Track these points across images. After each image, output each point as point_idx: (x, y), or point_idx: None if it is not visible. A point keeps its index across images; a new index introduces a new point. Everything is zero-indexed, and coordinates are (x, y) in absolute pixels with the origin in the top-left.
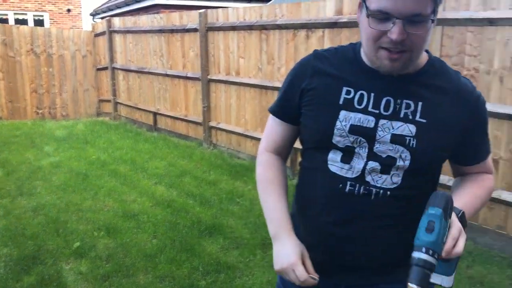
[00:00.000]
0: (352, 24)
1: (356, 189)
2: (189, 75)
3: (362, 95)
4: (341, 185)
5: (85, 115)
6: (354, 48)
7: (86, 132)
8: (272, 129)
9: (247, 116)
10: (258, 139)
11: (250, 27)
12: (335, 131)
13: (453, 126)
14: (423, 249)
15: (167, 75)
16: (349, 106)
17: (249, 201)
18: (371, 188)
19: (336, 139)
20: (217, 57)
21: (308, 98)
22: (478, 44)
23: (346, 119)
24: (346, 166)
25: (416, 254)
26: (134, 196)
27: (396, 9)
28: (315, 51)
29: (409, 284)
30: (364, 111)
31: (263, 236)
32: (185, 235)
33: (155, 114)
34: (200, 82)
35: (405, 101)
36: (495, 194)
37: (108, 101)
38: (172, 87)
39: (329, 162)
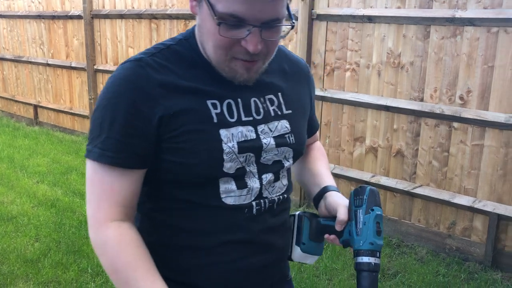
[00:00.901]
0: None
1: (263, 205)
2: (73, 65)
3: (230, 105)
4: (246, 210)
5: None
6: (190, 45)
7: None
8: (113, 186)
9: None
10: None
11: (139, 16)
12: (225, 157)
13: (307, 105)
14: (377, 254)
15: (48, 65)
16: (224, 122)
17: None
18: (272, 199)
19: (226, 166)
20: (104, 46)
21: (174, 127)
22: (359, 40)
23: (229, 138)
24: (244, 191)
25: (368, 260)
26: (12, 197)
27: (253, 14)
28: (140, 59)
29: None
30: (240, 122)
31: None
32: (72, 236)
33: (35, 106)
34: (86, 72)
35: (267, 97)
36: (374, 180)
37: None
38: (54, 77)
39: (222, 195)
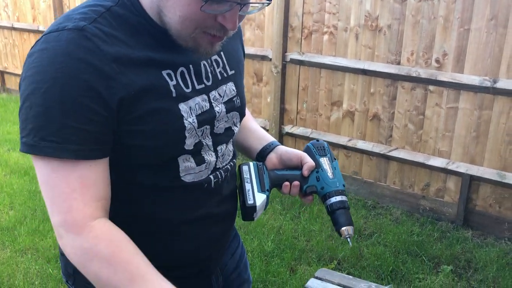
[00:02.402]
0: None
1: (219, 177)
2: (41, 28)
3: (183, 74)
4: (206, 185)
5: None
6: (133, 6)
7: None
8: (83, 181)
9: None
10: None
11: None
12: (186, 134)
13: (243, 62)
14: (344, 193)
15: (14, 29)
16: (181, 94)
17: None
18: (225, 168)
19: (187, 143)
20: (72, 7)
21: (135, 108)
22: (336, 2)
23: (189, 113)
24: (203, 167)
25: (341, 198)
26: None
27: None
28: (83, 29)
29: (343, 228)
30: (195, 92)
31: None
32: None
33: (2, 73)
34: None
35: (213, 58)
36: (351, 144)
37: None
38: (21, 42)
39: (182, 174)
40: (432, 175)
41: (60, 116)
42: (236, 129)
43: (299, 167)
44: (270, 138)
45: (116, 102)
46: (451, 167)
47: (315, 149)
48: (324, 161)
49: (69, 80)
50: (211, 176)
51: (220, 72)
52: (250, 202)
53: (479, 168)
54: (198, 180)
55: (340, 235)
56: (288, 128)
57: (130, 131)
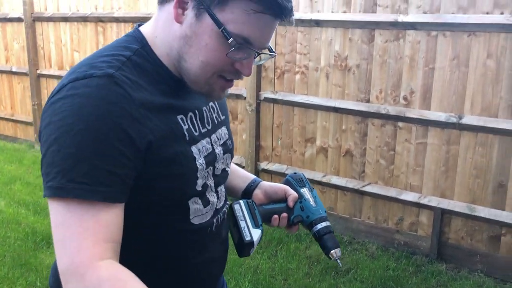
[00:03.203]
0: None
1: (219, 221)
2: (14, 69)
3: (192, 119)
4: (209, 229)
5: None
6: (147, 55)
7: None
8: (98, 221)
9: None
10: None
11: (84, 19)
12: (198, 175)
13: (227, 109)
14: (327, 218)
15: None
16: (192, 138)
17: None
18: (223, 210)
19: (199, 184)
20: (48, 50)
21: (158, 152)
22: (307, 43)
23: (199, 155)
24: (208, 208)
25: (326, 224)
26: None
27: (261, 42)
28: (112, 76)
29: (332, 251)
30: (201, 135)
31: None
32: (18, 249)
33: None
34: (28, 77)
35: (210, 104)
36: (325, 179)
37: None
38: None
39: (191, 216)
40: (405, 209)
41: (92, 158)
42: (229, 170)
43: (283, 199)
44: (251, 176)
45: (144, 145)
46: (423, 201)
47: (295, 181)
48: (305, 191)
49: (102, 122)
50: (214, 220)
51: (216, 117)
52: (248, 238)
53: (450, 202)
54: (204, 222)
55: (330, 258)
56: (264, 165)
57: (154, 173)
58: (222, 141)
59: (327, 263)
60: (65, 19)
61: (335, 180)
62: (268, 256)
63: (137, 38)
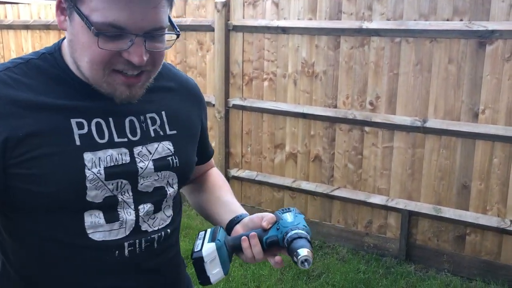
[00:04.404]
0: None
1: (137, 246)
2: None
3: (99, 124)
4: (117, 252)
5: None
6: (55, 60)
7: None
8: None
9: None
10: None
11: (47, 27)
12: (88, 184)
13: (196, 127)
14: (305, 230)
15: None
16: (90, 144)
17: None
18: (152, 236)
19: (91, 195)
20: (8, 59)
21: (24, 151)
22: (274, 50)
23: (95, 163)
24: (116, 225)
25: (294, 231)
26: None
27: (134, 23)
28: None
29: (298, 250)
30: (112, 144)
31: None
32: None
33: None
34: None
35: (148, 115)
36: (295, 185)
37: None
38: None
39: (89, 231)
40: (374, 212)
41: None
42: (171, 190)
43: (259, 226)
44: (238, 211)
45: (0, 141)
46: (391, 203)
47: (280, 210)
48: (286, 215)
49: None
50: (126, 243)
51: (154, 129)
52: (196, 249)
53: (417, 204)
54: (109, 240)
55: (296, 263)
56: (234, 172)
57: (19, 174)
58: (156, 156)
59: (298, 269)
60: (27, 26)
61: (305, 185)
62: (240, 264)
63: (53, 46)
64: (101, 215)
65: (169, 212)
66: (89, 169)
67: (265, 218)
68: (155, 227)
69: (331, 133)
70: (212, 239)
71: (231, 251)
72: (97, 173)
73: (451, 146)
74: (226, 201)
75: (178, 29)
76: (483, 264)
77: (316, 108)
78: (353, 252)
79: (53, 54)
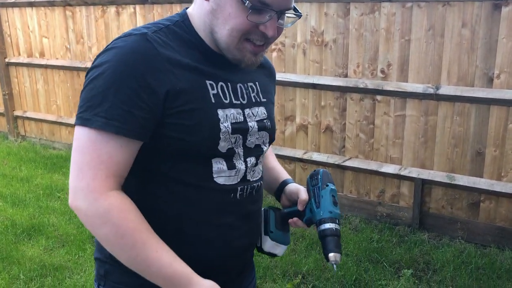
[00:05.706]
0: (163, 0)
1: (245, 191)
2: None
3: (222, 87)
4: (232, 194)
5: None
6: (185, 27)
7: None
8: (112, 156)
9: (58, 101)
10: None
11: (51, 3)
12: (221, 136)
13: (274, 99)
14: (337, 221)
15: None
16: (220, 103)
17: None
18: (253, 185)
19: (221, 145)
20: (15, 37)
21: (179, 103)
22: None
23: (225, 119)
24: (233, 172)
25: (330, 226)
26: None
27: (277, 2)
28: (145, 34)
29: (330, 254)
30: (231, 104)
31: None
32: None
33: None
34: None
35: (249, 84)
36: (307, 156)
37: None
38: None
39: (215, 175)
40: (386, 181)
41: (113, 98)
42: (265, 148)
43: (297, 202)
44: (282, 178)
45: (163, 94)
46: (403, 172)
47: (310, 180)
48: (315, 191)
49: (127, 70)
50: (239, 187)
51: (254, 96)
52: (259, 245)
53: (430, 172)
54: (228, 185)
55: (327, 260)
56: None
57: (172, 123)
58: (258, 118)
59: (312, 239)
60: (31, 4)
61: (316, 156)
62: None
63: (180, 15)
64: (224, 162)
65: (261, 167)
66: (222, 123)
67: (299, 201)
68: (255, 178)
69: (342, 103)
70: (265, 230)
71: (281, 228)
72: (227, 127)
73: (465, 113)
74: (272, 167)
75: (299, 12)
76: (498, 231)
77: (327, 78)
78: (366, 222)
79: (184, 21)
